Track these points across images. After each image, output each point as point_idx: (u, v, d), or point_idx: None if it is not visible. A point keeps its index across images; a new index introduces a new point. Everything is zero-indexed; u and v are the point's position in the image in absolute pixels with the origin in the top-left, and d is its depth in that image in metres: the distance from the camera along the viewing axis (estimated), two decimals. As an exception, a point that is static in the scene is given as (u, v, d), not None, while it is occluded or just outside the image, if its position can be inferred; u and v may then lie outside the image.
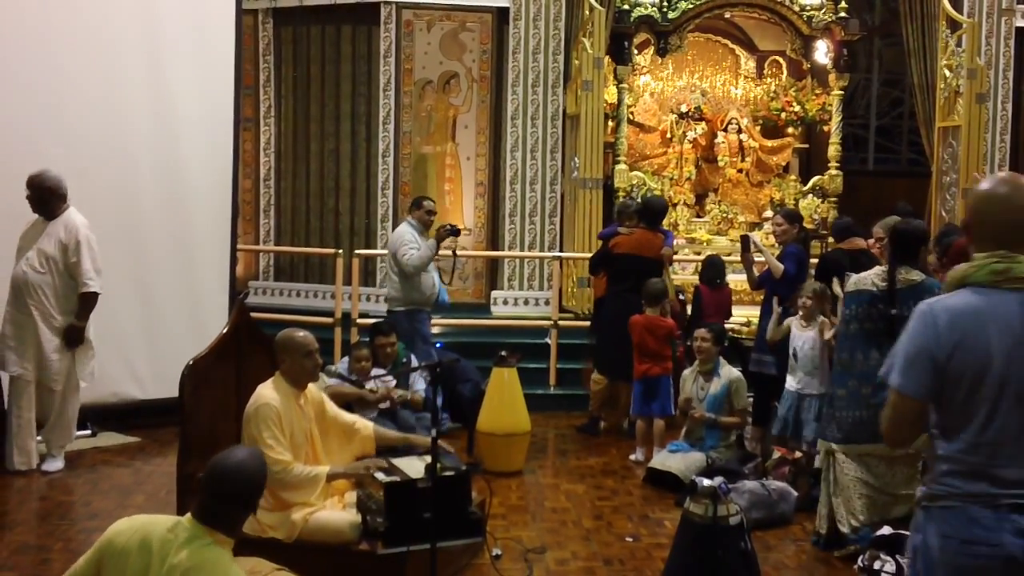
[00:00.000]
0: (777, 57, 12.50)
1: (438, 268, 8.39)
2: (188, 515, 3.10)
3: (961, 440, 2.80)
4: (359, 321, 9.63)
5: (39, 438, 7.30)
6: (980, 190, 2.95)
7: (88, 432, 7.84)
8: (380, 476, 4.81)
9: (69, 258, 7.10)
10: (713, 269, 8.94)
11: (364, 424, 5.28)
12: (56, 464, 7.20)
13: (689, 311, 9.04)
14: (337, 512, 4.91)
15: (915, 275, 5.58)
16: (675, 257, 10.71)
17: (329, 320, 9.73)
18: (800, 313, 6.92)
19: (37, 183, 7.11)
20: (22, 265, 7.08)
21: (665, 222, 11.13)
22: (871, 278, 5.63)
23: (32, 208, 7.16)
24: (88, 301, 7.20)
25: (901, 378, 2.85)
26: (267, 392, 4.82)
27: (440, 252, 8.16)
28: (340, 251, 10.21)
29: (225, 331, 5.66)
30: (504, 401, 7.48)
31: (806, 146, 12.71)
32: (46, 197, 7.14)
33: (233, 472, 3.09)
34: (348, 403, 6.99)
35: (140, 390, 8.19)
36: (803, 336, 6.80)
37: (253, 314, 6.22)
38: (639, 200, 9.78)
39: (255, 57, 11.27)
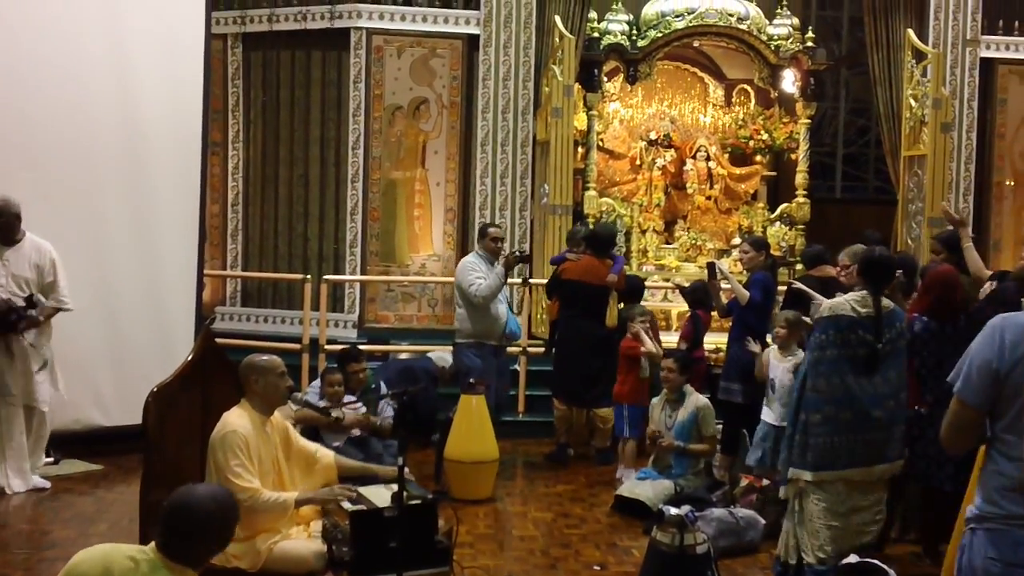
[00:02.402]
0: (745, 85, 12.58)
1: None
2: (152, 545, 3.06)
3: (1015, 459, 2.87)
4: (327, 347, 9.59)
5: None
6: None
7: (50, 459, 7.74)
8: (346, 505, 4.77)
9: (45, 278, 7.23)
10: (706, 293, 8.96)
11: (325, 453, 5.23)
12: (45, 482, 7.33)
13: (678, 336, 9.09)
14: (302, 541, 4.86)
15: (887, 302, 5.58)
16: (645, 284, 10.76)
17: (297, 346, 9.67)
18: (776, 344, 6.93)
19: (5, 208, 7.15)
20: None
21: (634, 248, 11.24)
22: (849, 303, 5.48)
23: None
24: (55, 312, 7.35)
25: (963, 385, 2.98)
26: (234, 419, 4.76)
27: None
28: (308, 277, 10.17)
29: (191, 357, 5.60)
30: (472, 428, 7.45)
31: (774, 174, 12.79)
32: (13, 222, 7.20)
33: (191, 511, 3.05)
34: (316, 429, 6.96)
35: (104, 416, 8.10)
36: (781, 367, 6.78)
37: (220, 340, 6.16)
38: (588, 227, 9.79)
39: (224, 81, 11.23)
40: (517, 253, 8.14)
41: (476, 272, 8.00)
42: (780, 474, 6.27)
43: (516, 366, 9.68)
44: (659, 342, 8.69)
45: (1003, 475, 2.88)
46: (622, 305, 8.95)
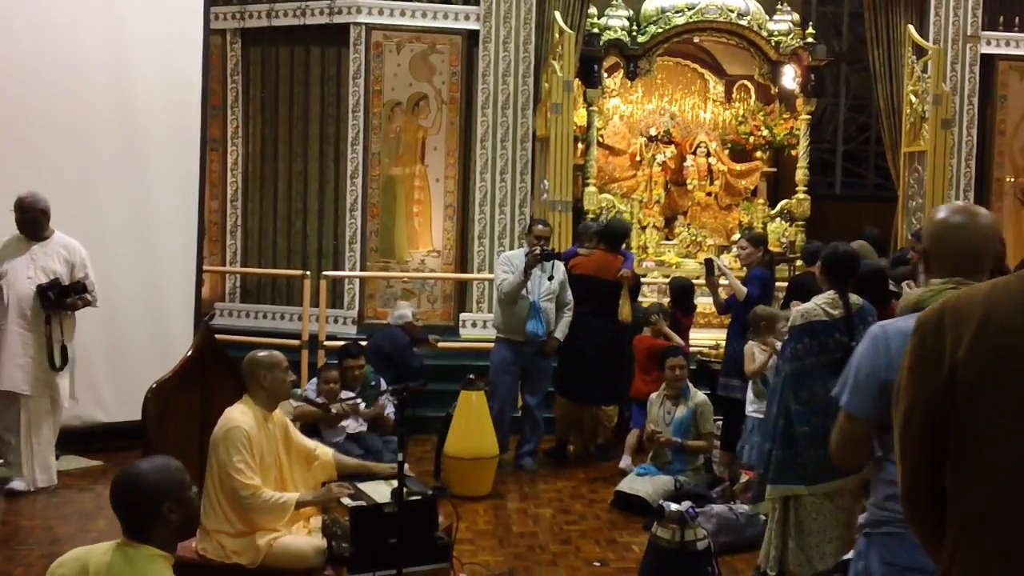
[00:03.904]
0: (745, 81, 12.58)
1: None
2: (121, 538, 3.07)
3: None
4: (326, 343, 9.58)
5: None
6: (937, 219, 2.95)
7: (50, 456, 7.75)
8: (346, 501, 4.77)
9: (77, 274, 7.27)
10: (690, 294, 8.97)
11: (324, 450, 5.23)
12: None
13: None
14: (302, 537, 4.86)
15: (856, 299, 5.48)
16: (645, 280, 10.75)
17: (296, 342, 9.65)
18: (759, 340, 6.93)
19: (30, 204, 7.18)
20: (27, 284, 7.11)
21: (634, 245, 11.23)
22: (820, 307, 5.29)
23: (20, 229, 7.22)
24: (85, 304, 7.37)
25: (850, 398, 2.91)
26: (237, 415, 4.76)
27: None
28: (307, 273, 10.16)
29: (190, 354, 5.61)
30: (472, 424, 7.45)
31: (774, 170, 12.79)
32: (39, 218, 7.23)
33: (133, 485, 3.05)
34: (315, 425, 6.96)
35: (104, 413, 8.09)
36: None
37: (219, 336, 6.17)
38: (601, 222, 9.76)
39: (223, 77, 11.22)
40: (538, 252, 7.88)
41: (505, 267, 8.00)
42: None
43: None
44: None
45: (895, 483, 2.83)
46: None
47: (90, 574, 2.98)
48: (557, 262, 8.16)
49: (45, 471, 7.23)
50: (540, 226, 8.25)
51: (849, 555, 5.16)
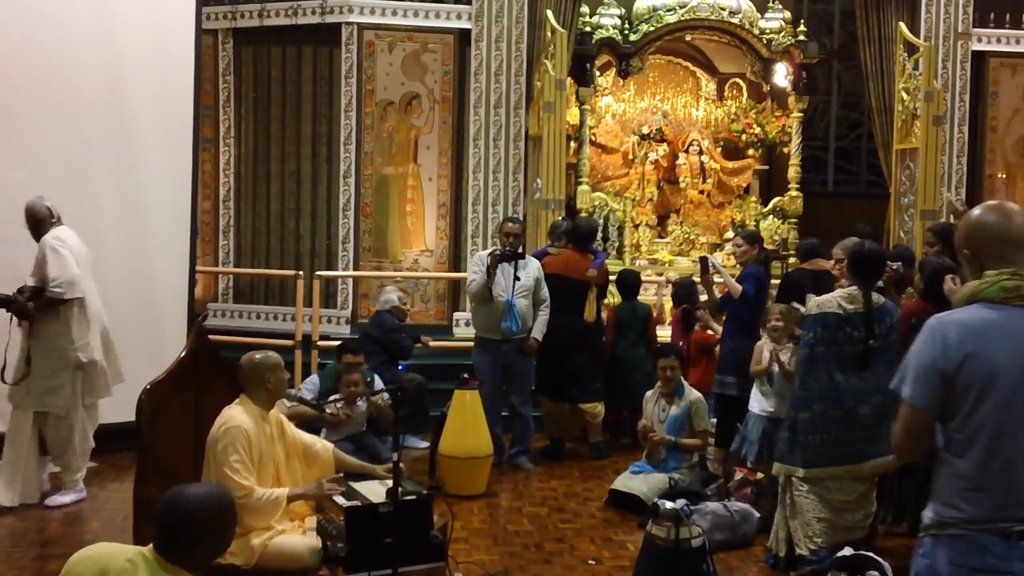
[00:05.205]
0: (737, 79, 12.58)
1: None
2: (150, 546, 3.03)
3: (969, 458, 2.86)
4: (320, 344, 9.57)
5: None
6: (972, 218, 3.04)
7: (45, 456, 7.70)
8: (340, 501, 4.77)
9: (43, 271, 6.96)
10: (690, 290, 8.98)
11: (324, 446, 5.23)
12: (70, 495, 7.09)
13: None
14: (297, 537, 4.85)
15: (878, 297, 5.58)
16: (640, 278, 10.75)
17: (289, 342, 9.65)
18: (770, 336, 6.90)
19: (25, 209, 7.08)
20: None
21: (627, 243, 11.23)
22: (836, 300, 5.50)
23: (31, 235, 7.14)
24: (50, 301, 6.95)
25: (911, 390, 2.93)
26: (236, 414, 4.76)
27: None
28: (301, 273, 10.15)
29: (183, 354, 5.58)
30: (466, 424, 7.44)
31: (766, 167, 12.79)
32: (31, 223, 7.11)
33: (183, 512, 3.01)
34: (313, 425, 6.94)
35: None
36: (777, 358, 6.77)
37: (212, 337, 6.16)
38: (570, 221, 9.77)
39: (215, 77, 11.20)
40: (500, 252, 7.90)
41: (477, 266, 8.02)
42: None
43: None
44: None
45: (960, 476, 2.86)
46: (610, 300, 8.96)
47: None
48: (532, 259, 8.17)
49: (9, 489, 6.91)
50: (510, 223, 8.27)
51: (846, 551, 5.25)
